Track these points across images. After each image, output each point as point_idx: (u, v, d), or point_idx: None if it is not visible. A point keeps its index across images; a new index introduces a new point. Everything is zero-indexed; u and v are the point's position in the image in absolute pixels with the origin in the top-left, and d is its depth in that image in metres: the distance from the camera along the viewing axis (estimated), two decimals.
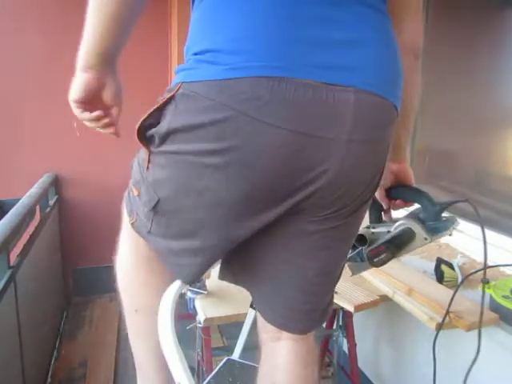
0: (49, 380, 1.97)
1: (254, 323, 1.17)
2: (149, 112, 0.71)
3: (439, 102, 1.75)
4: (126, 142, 2.98)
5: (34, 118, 2.50)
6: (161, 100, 0.69)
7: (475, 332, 1.07)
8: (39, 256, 1.95)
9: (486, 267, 0.96)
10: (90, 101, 0.75)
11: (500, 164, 1.53)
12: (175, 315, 0.83)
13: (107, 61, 0.74)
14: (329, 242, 0.78)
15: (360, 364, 1.48)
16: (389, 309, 1.50)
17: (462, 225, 1.52)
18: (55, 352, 2.18)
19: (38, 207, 2.01)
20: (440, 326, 1.05)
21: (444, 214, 0.88)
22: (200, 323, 1.17)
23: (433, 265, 1.34)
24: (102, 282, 2.76)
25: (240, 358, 1.20)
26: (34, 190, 2.02)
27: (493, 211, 1.50)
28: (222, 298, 1.22)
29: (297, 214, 0.73)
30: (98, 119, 0.77)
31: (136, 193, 0.82)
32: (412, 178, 0.94)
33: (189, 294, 1.21)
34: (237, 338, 1.21)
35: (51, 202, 2.34)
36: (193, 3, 0.74)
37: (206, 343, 1.28)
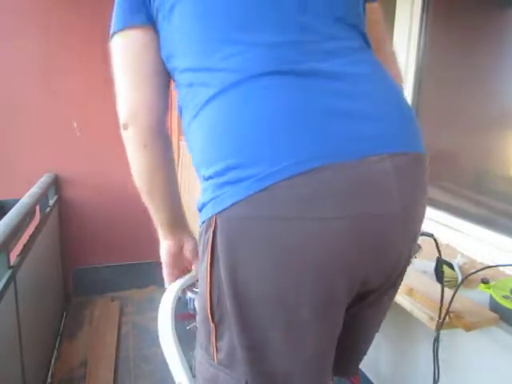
0: (49, 380, 1.97)
1: None
2: (208, 281, 0.66)
3: (440, 102, 1.75)
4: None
5: (34, 118, 2.50)
6: (206, 259, 0.66)
7: (475, 332, 1.07)
8: (39, 256, 1.95)
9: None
10: (176, 261, 0.88)
11: (500, 164, 1.53)
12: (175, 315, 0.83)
13: (175, 226, 0.85)
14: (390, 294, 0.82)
15: (360, 364, 1.48)
16: (389, 309, 1.50)
17: (463, 225, 1.52)
18: (55, 352, 2.18)
19: (37, 207, 2.01)
20: (440, 326, 1.05)
21: None
22: None
23: (433, 265, 1.34)
24: (101, 281, 2.77)
25: None
26: (34, 190, 2.02)
27: (493, 211, 1.50)
28: None
29: (367, 285, 0.72)
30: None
31: None
32: None
33: (189, 294, 1.20)
34: None
35: (51, 202, 2.34)
36: (182, 111, 0.73)
37: None
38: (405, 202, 0.66)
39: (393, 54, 0.89)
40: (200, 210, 0.68)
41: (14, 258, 1.53)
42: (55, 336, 2.29)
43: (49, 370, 2.02)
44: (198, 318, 0.75)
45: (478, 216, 1.50)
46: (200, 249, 0.70)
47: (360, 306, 0.76)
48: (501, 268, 1.31)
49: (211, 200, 0.64)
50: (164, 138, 0.78)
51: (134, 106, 0.74)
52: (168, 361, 0.81)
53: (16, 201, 1.80)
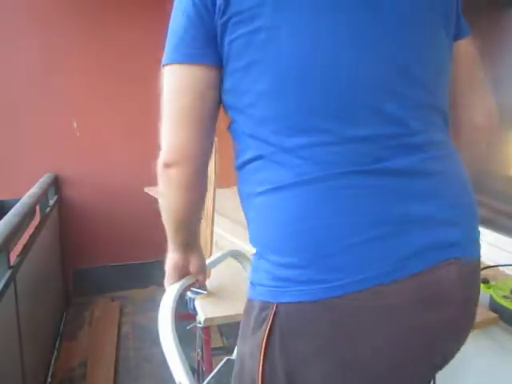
0: (49, 380, 1.97)
1: None
2: (261, 360, 0.65)
3: None
4: (125, 143, 3.00)
5: (35, 118, 2.51)
6: (260, 338, 0.65)
7: (475, 332, 1.07)
8: (39, 256, 1.95)
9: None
10: (180, 273, 0.87)
11: (500, 163, 1.53)
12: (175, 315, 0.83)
13: (188, 246, 0.85)
14: None
15: None
16: None
17: None
18: (55, 352, 2.18)
19: (38, 207, 2.01)
20: None
21: None
22: (200, 323, 1.17)
23: None
24: (101, 281, 2.77)
25: None
26: (34, 190, 2.02)
27: (493, 211, 1.50)
28: (221, 298, 1.21)
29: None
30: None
31: None
32: None
33: (189, 294, 1.20)
34: (237, 337, 1.20)
35: (51, 202, 2.34)
36: (244, 164, 0.70)
37: (206, 343, 1.28)
38: (467, 309, 0.69)
39: (484, 117, 0.81)
40: (253, 283, 0.69)
41: (14, 257, 1.53)
42: (55, 336, 2.29)
43: (49, 370, 2.02)
44: (236, 382, 0.75)
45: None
46: (251, 320, 0.69)
47: None
48: (501, 268, 1.32)
49: (272, 287, 0.65)
50: (205, 179, 0.76)
51: (187, 148, 0.69)
52: (168, 360, 0.81)
53: (16, 201, 1.80)
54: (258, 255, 0.68)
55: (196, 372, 1.43)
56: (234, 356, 1.24)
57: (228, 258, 1.06)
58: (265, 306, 0.65)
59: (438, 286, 0.64)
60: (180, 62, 0.67)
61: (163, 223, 0.81)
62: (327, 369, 0.64)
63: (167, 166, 0.70)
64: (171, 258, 0.87)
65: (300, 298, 0.62)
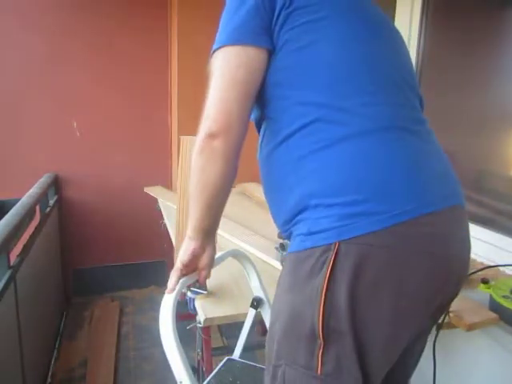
0: (49, 380, 1.97)
1: (254, 323, 1.16)
2: (322, 300, 0.70)
3: (439, 102, 1.75)
4: (125, 143, 3.00)
5: (35, 118, 2.51)
6: (321, 279, 0.69)
7: (475, 332, 1.07)
8: (39, 256, 1.95)
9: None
10: (193, 262, 0.90)
11: (500, 164, 1.54)
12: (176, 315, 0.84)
13: (208, 234, 0.89)
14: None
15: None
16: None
17: None
18: (55, 352, 2.18)
19: (38, 207, 2.01)
20: (440, 326, 1.05)
21: None
22: (200, 323, 1.17)
23: None
24: (101, 282, 2.78)
25: (240, 357, 1.20)
26: (34, 190, 2.02)
27: (492, 211, 1.50)
28: (222, 298, 1.21)
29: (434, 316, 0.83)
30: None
31: None
32: None
33: (189, 294, 1.20)
34: (237, 338, 1.21)
35: (51, 202, 2.34)
36: (285, 138, 0.78)
37: (206, 343, 1.28)
38: (469, 241, 0.82)
39: None
40: (310, 232, 0.73)
41: (14, 258, 1.53)
42: (55, 336, 2.29)
43: (49, 370, 2.03)
44: (289, 335, 0.76)
45: (478, 216, 1.50)
46: (306, 268, 0.73)
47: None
48: (501, 268, 1.32)
49: (337, 228, 0.70)
50: (239, 156, 0.81)
51: (233, 118, 0.77)
52: (169, 360, 0.81)
53: (16, 201, 1.80)
54: (315, 207, 0.73)
55: (196, 372, 1.43)
56: (234, 356, 1.24)
57: (228, 258, 1.06)
58: (325, 249, 0.70)
59: (461, 221, 0.79)
60: (236, 44, 0.77)
61: (187, 209, 0.83)
62: (387, 297, 0.69)
63: (212, 136, 0.77)
64: (189, 247, 0.89)
65: (368, 229, 0.68)
